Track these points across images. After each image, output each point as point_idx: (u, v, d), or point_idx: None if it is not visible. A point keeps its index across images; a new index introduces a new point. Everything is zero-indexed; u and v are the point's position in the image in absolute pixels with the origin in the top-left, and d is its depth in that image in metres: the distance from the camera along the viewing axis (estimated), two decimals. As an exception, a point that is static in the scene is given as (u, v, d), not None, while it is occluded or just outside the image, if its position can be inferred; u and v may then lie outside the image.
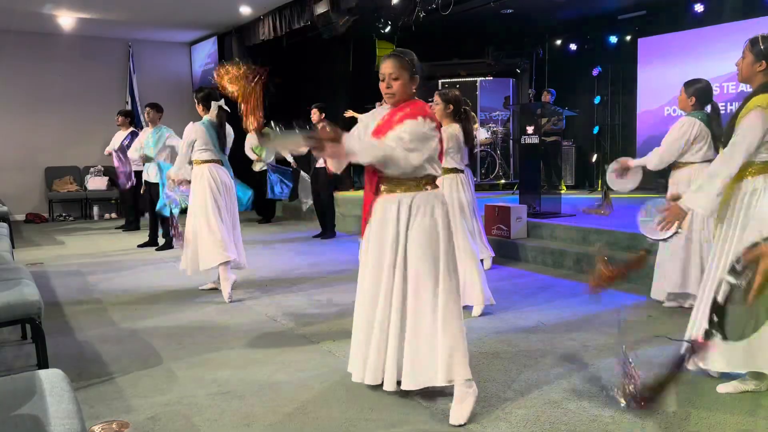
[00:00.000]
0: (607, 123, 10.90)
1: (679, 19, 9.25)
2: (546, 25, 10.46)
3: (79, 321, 4.42)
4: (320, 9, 8.26)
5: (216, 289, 5.12)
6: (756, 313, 2.03)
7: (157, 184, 6.90)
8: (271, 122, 2.78)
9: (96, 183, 11.09)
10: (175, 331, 4.12)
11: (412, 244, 2.75)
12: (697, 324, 2.96)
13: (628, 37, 10.22)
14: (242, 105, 3.72)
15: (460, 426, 2.65)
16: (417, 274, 2.74)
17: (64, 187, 10.99)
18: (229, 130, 5.16)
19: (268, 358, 3.56)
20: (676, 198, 2.95)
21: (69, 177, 11.12)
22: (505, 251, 6.38)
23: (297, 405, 2.91)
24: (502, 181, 10.99)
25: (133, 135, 8.03)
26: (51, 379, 1.85)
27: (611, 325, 4.07)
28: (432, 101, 4.55)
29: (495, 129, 11.19)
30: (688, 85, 4.23)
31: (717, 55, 8.45)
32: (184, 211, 5.21)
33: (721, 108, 4.49)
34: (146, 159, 7.22)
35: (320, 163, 7.66)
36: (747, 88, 3.00)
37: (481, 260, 5.00)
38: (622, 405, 2.37)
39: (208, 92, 5.09)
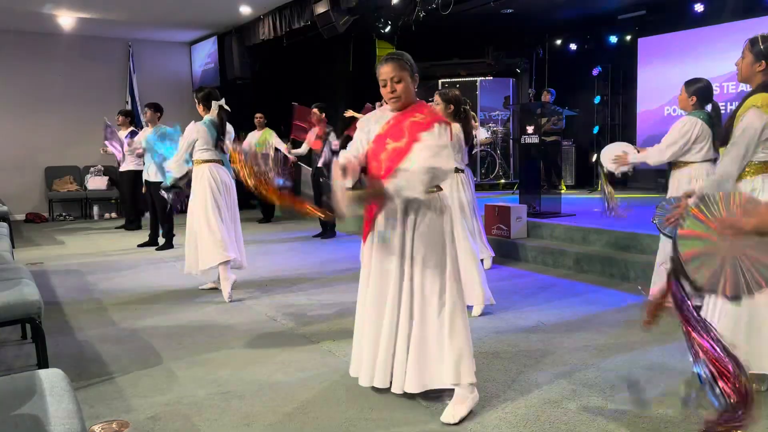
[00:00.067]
0: (607, 123, 10.90)
1: (679, 19, 9.25)
2: (546, 24, 10.46)
3: (79, 321, 4.42)
4: (320, 9, 8.26)
5: (216, 289, 5.12)
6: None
7: (157, 183, 6.89)
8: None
9: (96, 183, 11.09)
10: (175, 331, 4.12)
11: (418, 246, 2.72)
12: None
13: (628, 37, 10.23)
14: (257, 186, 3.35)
15: (450, 425, 2.64)
16: (424, 277, 2.72)
17: (64, 187, 10.99)
18: (229, 128, 5.16)
19: (268, 358, 3.56)
20: (690, 195, 2.94)
21: (69, 177, 11.12)
22: (505, 251, 6.38)
23: (297, 405, 2.91)
24: (502, 180, 10.99)
25: (133, 135, 8.05)
26: (51, 378, 1.85)
27: (611, 325, 4.07)
28: (432, 101, 4.56)
29: (495, 129, 11.19)
30: (688, 84, 4.22)
31: (717, 54, 8.46)
32: (183, 211, 5.20)
33: (721, 108, 4.49)
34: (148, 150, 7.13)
35: (321, 163, 7.66)
36: (747, 88, 3.00)
37: (481, 260, 5.01)
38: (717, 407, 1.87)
39: (208, 92, 5.09)
